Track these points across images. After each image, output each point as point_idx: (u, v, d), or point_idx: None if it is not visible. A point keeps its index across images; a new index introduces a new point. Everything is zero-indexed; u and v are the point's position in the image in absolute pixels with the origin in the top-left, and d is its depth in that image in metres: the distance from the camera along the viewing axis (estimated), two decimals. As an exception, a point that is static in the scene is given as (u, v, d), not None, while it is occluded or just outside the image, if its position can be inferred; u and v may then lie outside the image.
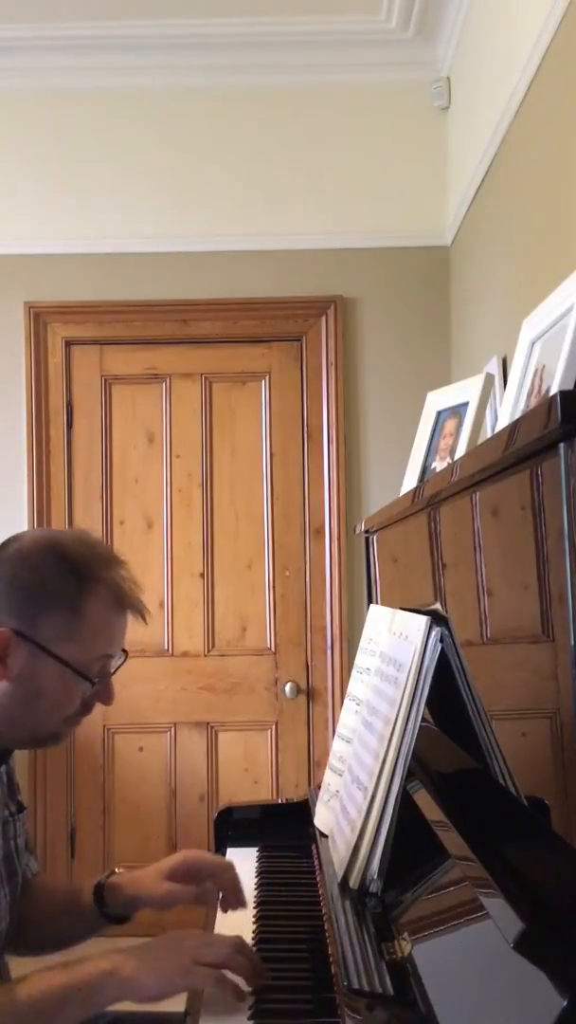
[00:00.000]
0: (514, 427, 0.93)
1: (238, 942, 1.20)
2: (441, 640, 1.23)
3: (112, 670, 1.36)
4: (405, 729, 1.24)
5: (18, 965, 1.39)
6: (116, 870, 1.49)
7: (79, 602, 1.28)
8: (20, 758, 3.39)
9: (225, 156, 3.48)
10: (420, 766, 1.35)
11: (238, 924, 1.35)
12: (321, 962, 1.22)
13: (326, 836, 1.49)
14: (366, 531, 2.18)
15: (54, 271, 3.48)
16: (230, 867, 1.43)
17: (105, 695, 1.36)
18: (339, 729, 1.61)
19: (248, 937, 1.34)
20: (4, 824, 1.39)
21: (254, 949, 1.26)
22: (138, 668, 3.46)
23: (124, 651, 1.38)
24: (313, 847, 1.59)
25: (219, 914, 1.44)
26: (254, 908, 1.48)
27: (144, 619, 1.37)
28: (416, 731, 1.23)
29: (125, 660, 1.39)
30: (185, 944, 1.18)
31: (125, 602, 1.33)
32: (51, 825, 3.46)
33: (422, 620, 1.26)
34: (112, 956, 1.18)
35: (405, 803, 1.24)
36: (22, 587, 1.28)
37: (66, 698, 1.31)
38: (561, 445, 0.83)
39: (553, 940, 0.83)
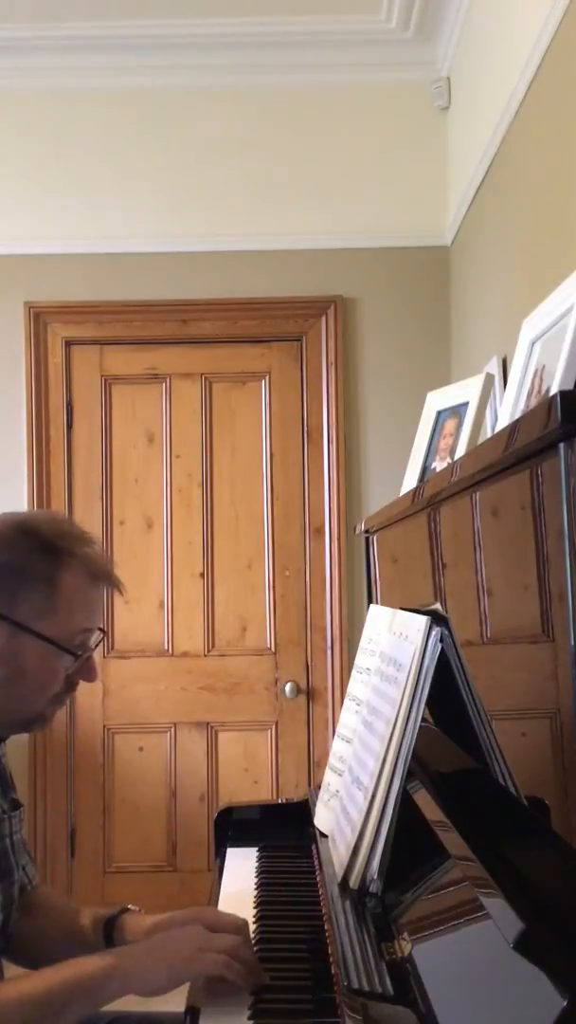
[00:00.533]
0: (514, 427, 0.93)
1: (237, 948, 1.18)
2: (441, 640, 1.23)
3: (92, 645, 1.37)
4: (405, 729, 1.24)
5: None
6: (129, 907, 1.46)
7: (54, 577, 1.29)
8: (19, 758, 3.39)
9: (225, 156, 3.48)
10: (420, 766, 1.35)
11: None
12: (321, 962, 1.22)
13: (326, 836, 1.49)
14: (366, 531, 2.18)
15: (54, 271, 3.48)
16: (241, 929, 1.28)
17: (88, 672, 1.37)
18: (339, 729, 1.61)
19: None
20: None
21: (254, 948, 1.26)
22: (138, 668, 3.47)
23: (101, 629, 1.39)
24: (313, 847, 1.59)
25: (223, 888, 1.43)
26: (254, 908, 1.48)
27: (120, 591, 1.38)
28: (416, 731, 1.23)
29: (103, 638, 1.40)
30: (187, 938, 1.19)
31: (99, 574, 1.34)
32: (51, 825, 3.46)
33: (422, 620, 1.26)
34: (117, 951, 1.18)
35: (405, 803, 1.24)
36: None
37: (50, 676, 1.31)
38: (561, 445, 0.83)
39: (553, 940, 0.83)
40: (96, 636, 1.38)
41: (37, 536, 1.31)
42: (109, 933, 1.40)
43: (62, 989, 1.14)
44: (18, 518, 1.37)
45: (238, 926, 1.27)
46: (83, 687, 1.39)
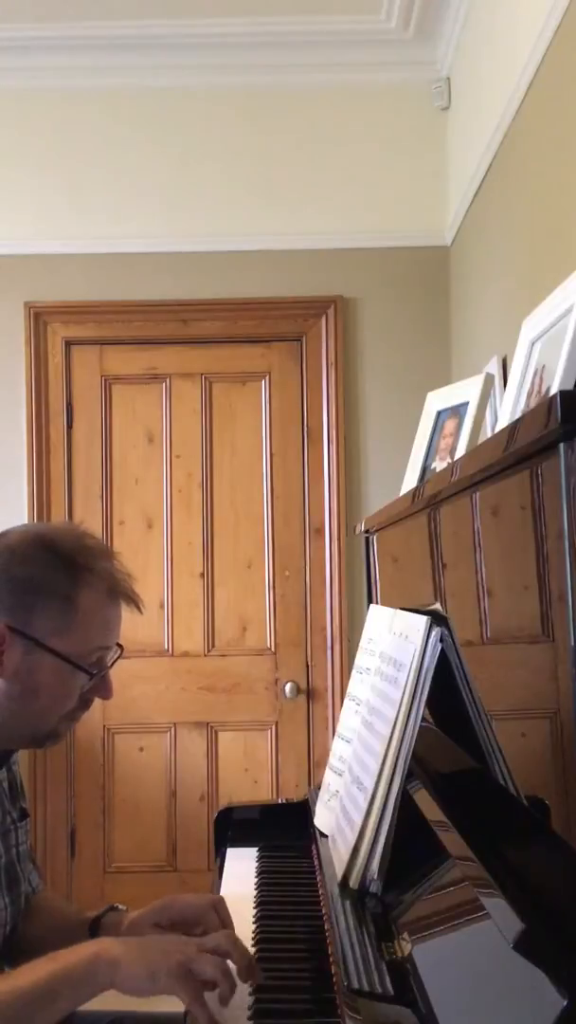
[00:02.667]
0: (514, 427, 0.93)
1: (230, 950, 1.15)
2: (441, 640, 1.23)
3: (109, 663, 1.35)
4: (405, 729, 1.24)
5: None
6: (117, 906, 1.45)
7: (72, 594, 1.27)
8: (20, 757, 3.38)
9: (225, 156, 3.48)
10: (420, 766, 1.35)
11: (239, 926, 1.34)
12: (321, 962, 1.22)
13: (326, 836, 1.48)
14: (366, 531, 2.18)
15: (54, 271, 3.48)
16: (215, 906, 1.29)
17: (103, 689, 1.35)
18: (339, 729, 1.61)
19: (248, 937, 1.34)
20: (5, 833, 1.38)
21: (252, 951, 1.25)
22: (138, 668, 3.46)
23: (119, 645, 1.37)
24: (313, 847, 1.59)
25: (223, 888, 1.42)
26: (254, 908, 1.48)
27: (139, 608, 1.36)
28: (416, 731, 1.23)
29: (121, 654, 1.38)
30: (178, 946, 1.14)
31: (118, 591, 1.32)
32: (51, 825, 3.46)
33: (422, 620, 1.26)
34: (100, 940, 1.16)
35: (405, 803, 1.23)
36: (14, 582, 1.27)
37: (64, 693, 1.30)
38: (561, 445, 0.83)
39: (553, 940, 0.83)
40: (113, 653, 1.36)
41: (56, 551, 1.29)
42: (94, 933, 1.40)
43: (45, 984, 1.11)
44: (37, 531, 1.34)
45: (214, 903, 1.26)
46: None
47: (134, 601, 1.35)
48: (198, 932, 1.29)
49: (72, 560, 1.29)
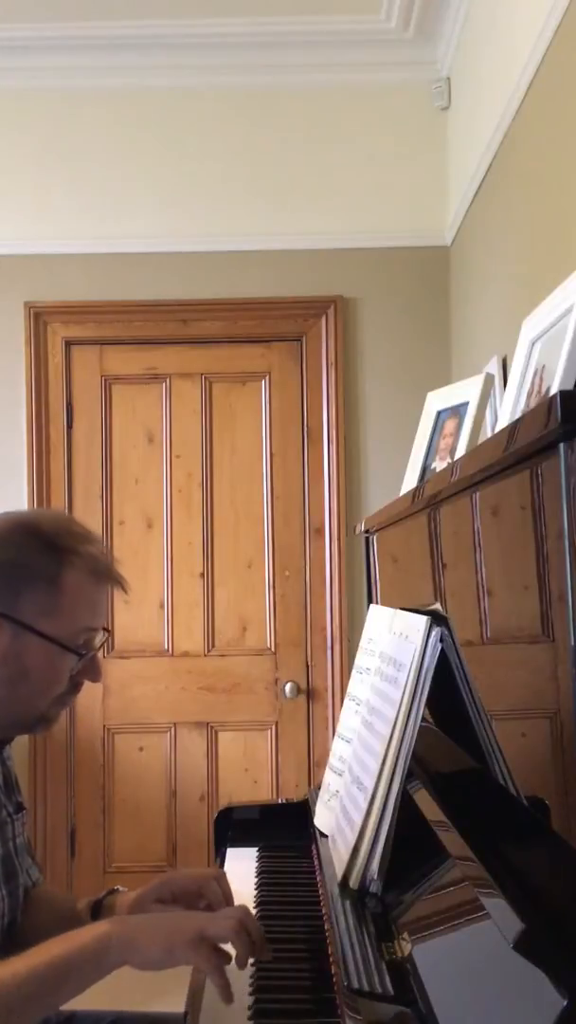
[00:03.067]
0: (514, 427, 0.93)
1: (243, 917, 1.18)
2: (441, 640, 1.23)
3: (97, 645, 1.35)
4: (405, 729, 1.24)
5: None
6: (118, 888, 1.46)
7: (57, 575, 1.28)
8: (20, 758, 3.39)
9: (226, 156, 3.48)
10: (420, 766, 1.35)
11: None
12: (321, 962, 1.22)
13: (326, 836, 1.48)
14: (366, 531, 2.18)
15: (54, 271, 3.48)
16: (217, 878, 1.33)
17: (93, 671, 1.35)
18: (339, 729, 1.61)
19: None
20: (1, 826, 1.38)
21: (258, 920, 1.25)
22: (138, 668, 3.47)
23: (106, 629, 1.38)
24: (313, 847, 1.59)
25: (227, 870, 1.42)
26: (254, 908, 1.48)
27: (124, 589, 1.37)
28: (416, 731, 1.23)
29: (107, 638, 1.38)
30: (191, 916, 1.18)
31: (103, 571, 1.33)
32: (51, 825, 3.46)
33: (422, 620, 1.26)
34: (113, 919, 1.17)
35: (405, 803, 1.23)
36: None
37: (53, 676, 1.30)
38: (561, 445, 0.83)
39: (553, 940, 0.83)
40: (100, 636, 1.36)
41: (39, 535, 1.30)
42: (96, 915, 1.40)
43: (59, 963, 1.12)
44: (20, 517, 1.35)
45: (216, 876, 1.28)
46: (84, 688, 1.39)
47: (119, 582, 1.36)
48: (201, 905, 1.31)
49: (55, 543, 1.30)
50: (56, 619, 1.28)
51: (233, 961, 1.14)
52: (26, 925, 1.41)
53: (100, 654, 1.37)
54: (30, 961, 1.12)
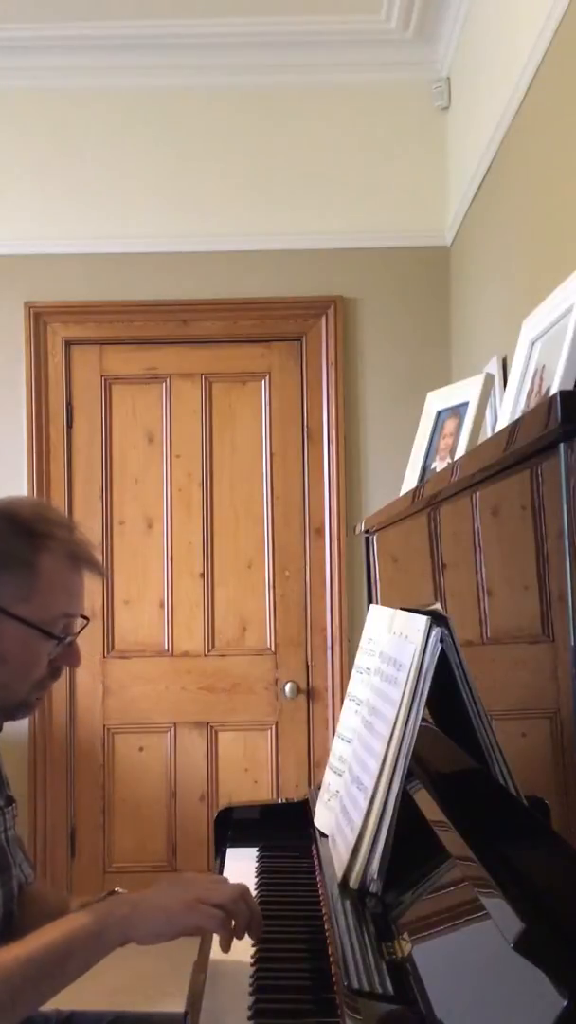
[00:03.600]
0: (514, 427, 0.93)
1: (243, 889, 1.21)
2: (441, 640, 1.23)
3: (75, 631, 1.36)
4: (405, 729, 1.24)
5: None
6: (117, 890, 1.46)
7: (33, 560, 1.29)
8: (20, 758, 3.39)
9: (225, 156, 3.48)
10: (420, 766, 1.35)
11: (238, 924, 1.34)
12: (321, 962, 1.22)
13: (326, 836, 1.48)
14: (366, 531, 2.18)
15: (54, 271, 3.49)
16: (243, 895, 1.27)
17: (71, 656, 1.35)
18: (339, 729, 1.61)
19: (248, 938, 1.34)
20: None
21: (251, 957, 1.25)
22: (138, 668, 3.47)
23: (85, 616, 1.38)
24: (313, 847, 1.59)
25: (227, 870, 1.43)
26: (254, 908, 1.48)
27: (101, 574, 1.38)
28: (416, 731, 1.23)
29: (87, 624, 1.39)
30: (190, 883, 1.20)
31: (80, 556, 1.34)
32: (51, 825, 3.46)
33: (422, 620, 1.26)
34: (112, 899, 1.18)
35: (405, 803, 1.23)
36: None
37: (32, 659, 1.31)
38: (561, 445, 0.83)
39: (553, 940, 0.83)
40: (79, 622, 1.37)
41: (16, 520, 1.31)
42: None
43: (62, 942, 1.13)
44: None
45: (219, 880, 1.29)
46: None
47: (96, 567, 1.37)
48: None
49: (32, 528, 1.30)
50: (33, 603, 1.29)
51: (217, 943, 1.15)
52: (22, 925, 1.41)
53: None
54: (30, 945, 1.14)
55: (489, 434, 1.62)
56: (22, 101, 3.49)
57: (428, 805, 1.26)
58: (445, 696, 1.27)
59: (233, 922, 1.20)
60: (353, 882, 1.25)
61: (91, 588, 1.40)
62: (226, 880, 1.26)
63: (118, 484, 3.53)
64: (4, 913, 1.36)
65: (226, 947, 1.18)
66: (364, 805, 1.27)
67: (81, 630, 1.38)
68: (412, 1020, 0.93)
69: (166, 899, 1.17)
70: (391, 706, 1.27)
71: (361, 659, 1.59)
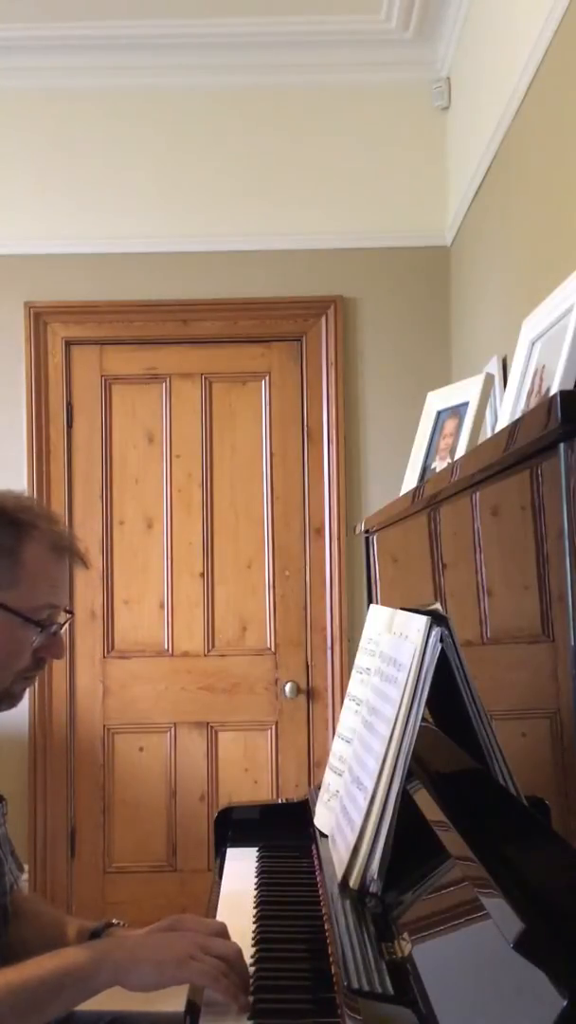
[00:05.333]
0: (514, 427, 0.93)
1: (236, 950, 1.18)
2: (441, 640, 1.23)
3: (60, 623, 1.37)
4: (405, 729, 1.24)
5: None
6: (114, 921, 1.45)
7: (16, 548, 1.30)
8: (20, 757, 3.39)
9: (225, 156, 3.48)
10: (420, 766, 1.35)
11: (239, 924, 1.34)
12: (321, 962, 1.22)
13: (326, 836, 1.48)
14: (366, 531, 2.18)
15: (54, 271, 3.48)
16: (223, 933, 1.25)
17: (56, 648, 1.36)
18: (339, 729, 1.61)
19: (248, 937, 1.34)
20: None
21: (251, 957, 1.25)
22: (138, 668, 3.47)
23: (68, 611, 1.40)
24: (313, 847, 1.59)
25: (223, 888, 1.42)
26: (254, 908, 1.48)
27: (84, 564, 1.40)
28: (416, 731, 1.23)
29: (70, 619, 1.40)
30: (183, 938, 1.18)
31: (63, 546, 1.36)
32: (51, 825, 3.46)
33: (422, 620, 1.26)
34: (108, 940, 1.18)
35: (405, 803, 1.23)
36: None
37: (15, 648, 1.32)
38: (561, 445, 0.83)
39: (553, 940, 0.83)
40: (63, 615, 1.38)
41: (0, 511, 1.32)
42: None
43: (53, 977, 1.13)
44: None
45: (221, 931, 1.25)
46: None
47: (79, 556, 1.39)
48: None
49: (15, 517, 1.32)
50: (17, 591, 1.30)
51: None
52: (12, 937, 1.41)
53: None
54: (22, 973, 1.14)
55: (489, 434, 1.62)
56: (22, 101, 3.49)
57: (428, 805, 1.26)
58: (445, 696, 1.27)
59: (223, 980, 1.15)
60: (353, 882, 1.25)
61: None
62: (224, 935, 1.21)
63: (118, 484, 3.53)
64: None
65: (228, 997, 1.13)
66: (364, 805, 1.27)
67: (65, 623, 1.39)
68: (412, 1020, 0.93)
69: (160, 952, 1.15)
70: (391, 706, 1.27)
71: (361, 659, 1.59)
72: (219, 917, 1.42)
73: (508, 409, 1.49)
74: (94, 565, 3.34)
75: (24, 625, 1.31)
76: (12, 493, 1.39)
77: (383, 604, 1.77)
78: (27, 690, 1.40)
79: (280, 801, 2.15)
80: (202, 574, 3.50)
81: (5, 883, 1.39)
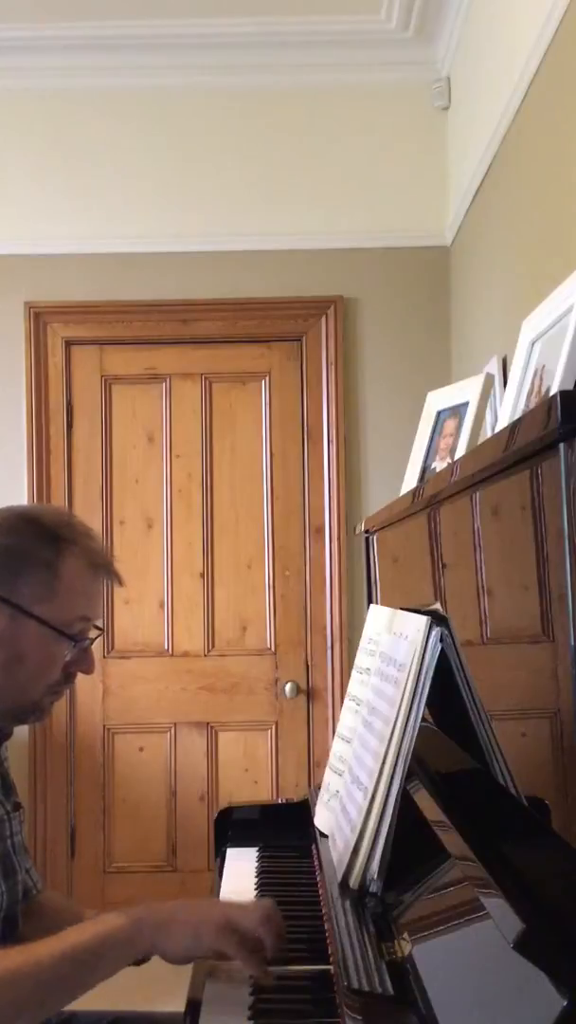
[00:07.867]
0: (514, 427, 0.93)
1: (269, 912, 1.20)
2: (441, 640, 1.23)
3: (91, 638, 1.39)
4: (405, 729, 1.24)
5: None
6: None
7: (55, 562, 1.32)
8: (20, 758, 3.39)
9: (225, 156, 3.48)
10: (420, 766, 1.35)
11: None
12: (321, 962, 1.22)
13: (326, 836, 1.48)
14: (366, 531, 2.18)
15: (54, 271, 3.48)
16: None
17: (85, 663, 1.38)
18: (339, 729, 1.61)
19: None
20: (0, 823, 1.39)
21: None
22: (138, 668, 3.47)
23: (99, 627, 1.41)
24: (313, 847, 1.59)
25: (223, 888, 1.42)
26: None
27: (119, 582, 1.43)
28: (416, 731, 1.23)
29: (100, 634, 1.43)
30: (218, 903, 1.23)
31: (99, 564, 1.38)
32: (51, 825, 3.46)
33: (422, 620, 1.26)
34: (143, 906, 1.19)
35: (405, 803, 1.23)
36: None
37: (48, 662, 1.33)
38: (561, 445, 0.83)
39: (553, 940, 0.83)
40: (95, 631, 1.40)
41: (39, 524, 1.35)
42: None
43: (95, 940, 1.14)
44: (23, 509, 1.41)
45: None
46: (83, 686, 1.41)
47: (115, 575, 1.41)
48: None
49: (55, 532, 1.34)
50: (52, 605, 1.32)
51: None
52: (32, 933, 1.41)
53: (94, 653, 1.40)
54: (63, 943, 1.14)
55: (489, 434, 1.62)
56: (22, 101, 3.49)
57: (428, 805, 1.26)
58: (445, 696, 1.27)
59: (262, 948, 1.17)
60: (353, 882, 1.25)
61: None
62: (253, 902, 1.24)
63: (118, 484, 3.53)
64: (6, 916, 1.36)
65: (256, 972, 1.15)
66: (364, 805, 1.27)
67: (96, 638, 1.40)
68: (412, 1020, 0.93)
69: (198, 915, 1.17)
70: (391, 706, 1.27)
71: (361, 659, 1.59)
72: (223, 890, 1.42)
73: (508, 409, 1.49)
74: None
75: (58, 639, 1.32)
76: (52, 507, 1.42)
77: (383, 604, 1.77)
78: (54, 704, 1.41)
79: (280, 801, 2.15)
80: (202, 574, 3.50)
81: (18, 891, 1.39)
